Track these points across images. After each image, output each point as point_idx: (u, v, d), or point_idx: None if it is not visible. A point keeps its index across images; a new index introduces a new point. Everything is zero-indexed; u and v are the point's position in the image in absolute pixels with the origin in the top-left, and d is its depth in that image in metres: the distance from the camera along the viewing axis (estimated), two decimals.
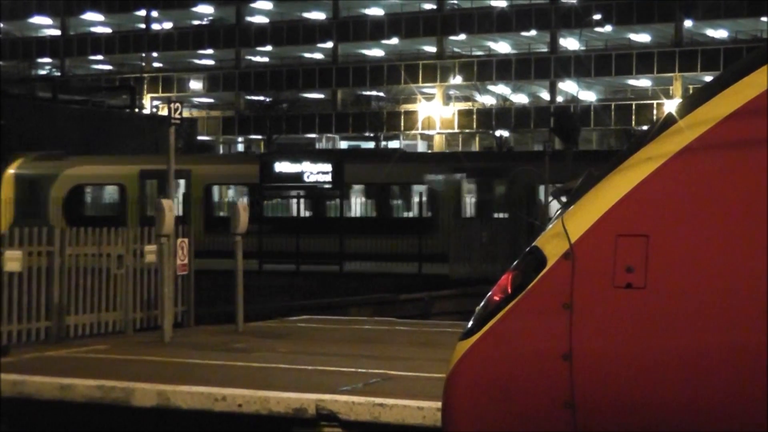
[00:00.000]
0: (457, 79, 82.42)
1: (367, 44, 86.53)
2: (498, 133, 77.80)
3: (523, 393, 4.31)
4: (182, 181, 40.54)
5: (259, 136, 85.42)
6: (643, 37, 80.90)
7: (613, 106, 79.75)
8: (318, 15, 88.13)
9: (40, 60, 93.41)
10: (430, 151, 79.05)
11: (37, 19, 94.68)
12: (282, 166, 37.71)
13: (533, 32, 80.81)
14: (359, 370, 11.30)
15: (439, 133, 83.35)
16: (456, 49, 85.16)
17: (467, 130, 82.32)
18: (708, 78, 39.41)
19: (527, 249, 4.50)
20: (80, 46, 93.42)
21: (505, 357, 4.37)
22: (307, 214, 39.00)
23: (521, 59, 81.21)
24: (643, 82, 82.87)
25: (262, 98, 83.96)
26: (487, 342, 4.42)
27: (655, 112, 74.84)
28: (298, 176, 37.21)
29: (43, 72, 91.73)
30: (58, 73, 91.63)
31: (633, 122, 76.25)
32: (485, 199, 38.14)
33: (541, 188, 35.41)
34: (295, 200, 38.32)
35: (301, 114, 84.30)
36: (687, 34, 78.04)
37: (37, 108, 52.65)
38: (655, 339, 4.13)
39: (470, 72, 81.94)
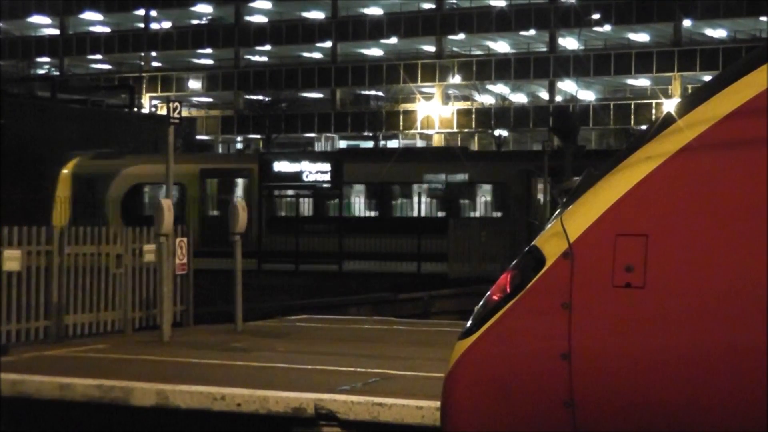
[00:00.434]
0: (456, 79, 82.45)
1: (366, 44, 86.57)
2: (497, 132, 77.81)
3: (523, 392, 4.31)
4: (240, 181, 40.22)
5: (258, 136, 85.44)
6: (642, 37, 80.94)
7: (612, 106, 79.78)
8: (317, 14, 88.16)
9: (39, 59, 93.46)
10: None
11: (36, 19, 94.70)
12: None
13: (532, 32, 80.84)
14: (358, 369, 11.30)
15: (438, 133, 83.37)
16: (455, 49, 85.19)
17: (466, 130, 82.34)
18: (707, 77, 39.42)
19: (526, 248, 4.50)
20: (79, 45, 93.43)
21: (505, 356, 4.37)
22: (373, 213, 38.84)
23: (520, 59, 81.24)
24: (642, 82, 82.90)
25: (261, 98, 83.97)
26: (487, 341, 4.42)
27: (654, 111, 74.85)
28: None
29: (42, 71, 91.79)
30: (57, 73, 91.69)
31: (632, 122, 76.30)
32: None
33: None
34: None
35: (300, 113, 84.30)
36: (686, 33, 78.08)
37: (37, 107, 52.64)
38: (655, 338, 4.13)
39: (469, 71, 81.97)
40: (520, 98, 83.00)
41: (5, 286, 13.42)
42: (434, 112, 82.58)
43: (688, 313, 4.11)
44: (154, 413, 10.12)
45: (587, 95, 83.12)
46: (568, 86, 79.84)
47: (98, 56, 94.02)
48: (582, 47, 77.65)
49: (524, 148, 74.01)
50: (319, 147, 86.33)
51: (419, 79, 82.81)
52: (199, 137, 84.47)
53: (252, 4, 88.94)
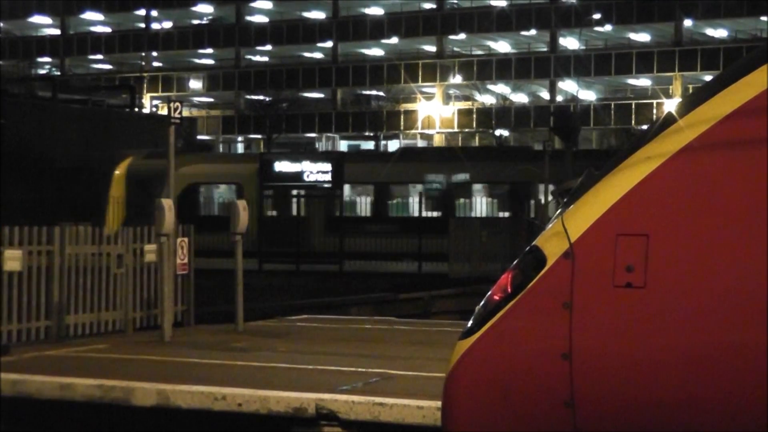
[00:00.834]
0: (457, 79, 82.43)
1: (367, 44, 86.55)
2: (498, 132, 77.81)
3: (523, 392, 4.31)
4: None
5: (259, 136, 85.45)
6: (642, 37, 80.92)
7: (612, 106, 79.76)
8: (318, 14, 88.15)
9: (39, 59, 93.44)
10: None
11: (36, 19, 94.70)
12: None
13: (533, 31, 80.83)
14: (359, 369, 11.30)
15: (438, 133, 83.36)
16: (456, 49, 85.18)
17: (467, 130, 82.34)
18: (708, 77, 39.39)
19: (527, 248, 4.50)
20: (80, 45, 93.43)
21: (505, 356, 4.37)
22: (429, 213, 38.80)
23: (521, 58, 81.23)
24: (643, 82, 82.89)
25: (261, 98, 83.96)
26: (487, 341, 4.42)
27: (654, 111, 74.83)
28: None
29: (42, 71, 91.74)
30: (58, 73, 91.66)
31: (633, 121, 76.27)
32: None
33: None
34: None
35: (300, 113, 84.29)
36: (687, 33, 78.06)
37: (37, 107, 52.61)
38: (655, 338, 4.13)
39: (470, 71, 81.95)
40: (520, 98, 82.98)
41: (6, 286, 13.42)
42: (435, 112, 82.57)
43: (689, 313, 4.11)
44: (155, 413, 10.13)
45: (588, 95, 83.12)
46: (568, 86, 79.83)
47: (99, 56, 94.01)
48: (583, 47, 77.64)
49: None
50: (320, 147, 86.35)
51: (420, 79, 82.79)
52: (199, 137, 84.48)
53: (253, 4, 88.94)
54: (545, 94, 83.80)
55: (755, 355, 4.00)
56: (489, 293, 4.53)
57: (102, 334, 14.58)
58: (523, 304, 4.37)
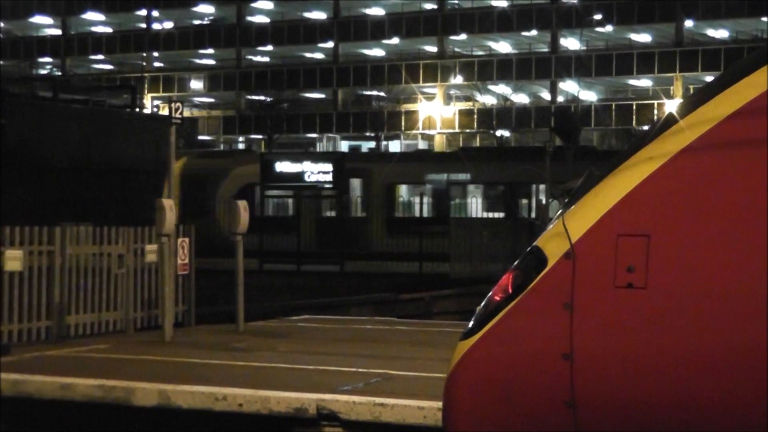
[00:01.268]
0: (458, 79, 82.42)
1: (368, 44, 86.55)
2: (499, 132, 77.81)
3: (524, 392, 4.31)
4: (356, 181, 39.15)
5: (260, 136, 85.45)
6: (643, 37, 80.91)
7: (613, 106, 79.75)
8: (319, 15, 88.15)
9: (40, 59, 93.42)
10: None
11: (37, 19, 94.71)
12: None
13: (534, 32, 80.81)
14: (360, 369, 11.29)
15: (439, 133, 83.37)
16: (457, 49, 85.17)
17: (468, 130, 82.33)
18: (709, 78, 39.36)
19: (528, 249, 4.50)
20: (81, 45, 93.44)
21: (506, 357, 4.38)
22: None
23: (522, 59, 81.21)
24: (644, 82, 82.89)
25: (262, 98, 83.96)
26: (488, 342, 4.42)
27: (655, 112, 74.83)
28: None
29: (43, 71, 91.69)
30: (59, 73, 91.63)
31: (634, 122, 76.27)
32: None
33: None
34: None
35: (301, 114, 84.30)
36: (688, 34, 78.05)
37: (38, 107, 52.59)
38: (656, 339, 4.13)
39: (471, 72, 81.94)
40: (521, 98, 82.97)
41: (7, 286, 13.43)
42: (436, 112, 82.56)
43: (690, 314, 4.11)
44: (156, 413, 10.13)
45: (589, 95, 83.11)
46: (569, 86, 79.82)
47: (100, 56, 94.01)
48: (584, 47, 77.64)
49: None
50: (320, 147, 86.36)
51: (421, 79, 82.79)
52: (200, 137, 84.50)
53: (254, 5, 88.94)
54: (546, 95, 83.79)
55: (755, 356, 4.00)
56: (490, 294, 4.54)
57: (103, 335, 14.58)
58: (524, 305, 4.37)
